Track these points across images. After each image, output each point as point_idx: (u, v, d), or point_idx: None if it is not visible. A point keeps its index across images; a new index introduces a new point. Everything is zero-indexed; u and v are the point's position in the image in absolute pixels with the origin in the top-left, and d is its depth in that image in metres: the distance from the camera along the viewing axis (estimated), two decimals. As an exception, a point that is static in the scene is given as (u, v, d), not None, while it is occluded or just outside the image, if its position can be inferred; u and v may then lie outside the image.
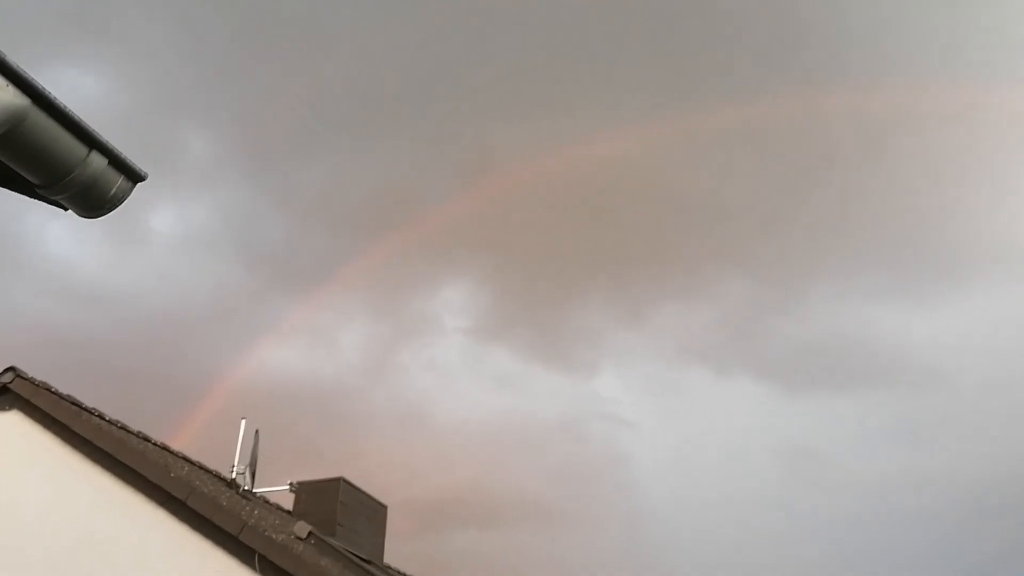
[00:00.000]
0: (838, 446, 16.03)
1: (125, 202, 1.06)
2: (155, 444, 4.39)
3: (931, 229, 15.33)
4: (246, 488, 4.67)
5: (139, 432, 4.35)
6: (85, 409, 4.01)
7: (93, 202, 1.09)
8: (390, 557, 5.82)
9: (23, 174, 1.04)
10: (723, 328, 15.93)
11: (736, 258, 15.02)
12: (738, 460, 16.29)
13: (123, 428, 4.19)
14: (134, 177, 1.13)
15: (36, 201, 1.10)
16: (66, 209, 1.12)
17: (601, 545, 15.70)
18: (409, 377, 15.31)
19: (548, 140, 14.93)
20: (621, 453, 16.26)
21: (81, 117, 1.02)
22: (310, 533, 4.13)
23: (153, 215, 14.55)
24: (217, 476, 4.68)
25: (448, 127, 15.01)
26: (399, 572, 5.60)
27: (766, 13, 13.98)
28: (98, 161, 1.06)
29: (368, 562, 4.68)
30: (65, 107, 1.02)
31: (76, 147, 1.04)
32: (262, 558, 3.53)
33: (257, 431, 4.79)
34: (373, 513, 5.56)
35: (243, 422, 4.85)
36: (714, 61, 14.27)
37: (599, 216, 14.70)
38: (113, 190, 1.10)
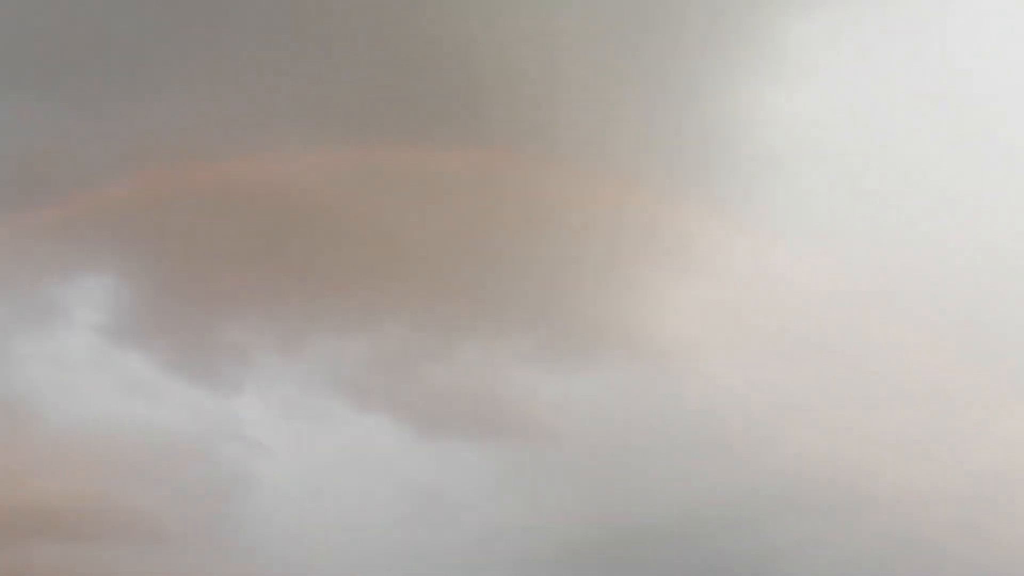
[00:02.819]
0: (460, 492, 17.04)
1: None
2: None
3: (573, 306, 17.16)
4: None
5: None
6: None
7: None
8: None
9: None
10: (375, 366, 16.36)
11: (399, 300, 15.59)
12: (366, 495, 16.67)
13: None
14: None
15: None
16: None
17: (213, 570, 15.11)
18: (23, 369, 13.79)
19: (235, 147, 14.52)
20: (251, 477, 15.91)
21: None
22: None
23: None
24: None
25: (128, 108, 14.07)
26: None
27: (469, 74, 14.93)
28: None
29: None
30: None
31: None
32: None
33: None
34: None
35: None
36: (415, 106, 14.89)
37: (271, 235, 14.53)
38: None
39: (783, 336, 17.86)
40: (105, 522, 13.74)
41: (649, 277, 17.25)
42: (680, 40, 15.75)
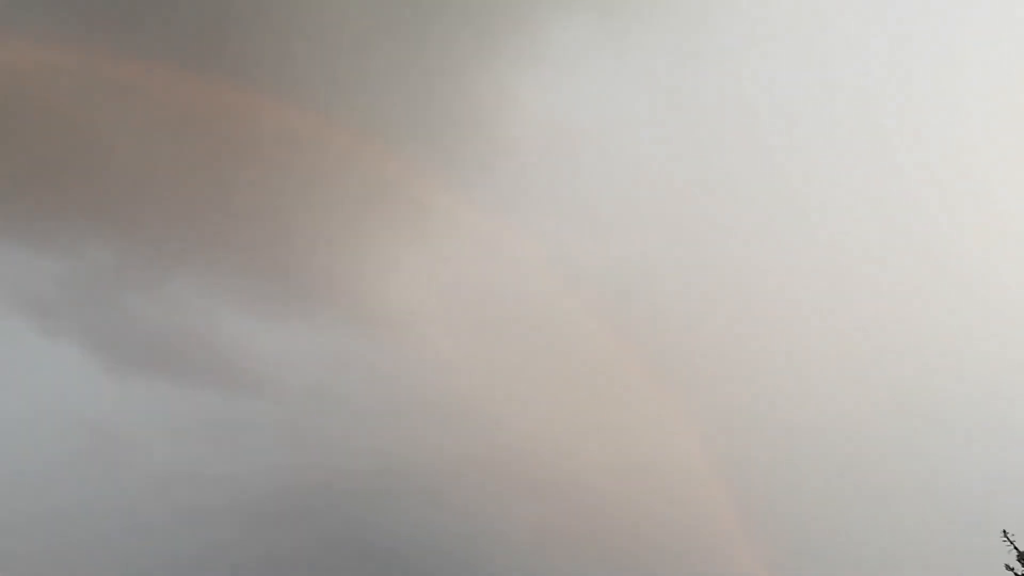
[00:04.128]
0: (143, 434, 16.03)
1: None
2: None
3: (298, 259, 16.69)
4: None
5: None
6: None
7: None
8: None
9: None
10: (69, 288, 15.01)
11: (107, 221, 14.38)
12: (33, 425, 15.25)
13: None
14: None
15: None
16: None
17: None
18: None
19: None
20: None
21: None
22: None
23: None
24: None
25: None
26: None
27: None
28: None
29: None
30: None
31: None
32: None
33: None
34: None
35: None
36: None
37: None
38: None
39: (500, 312, 18.49)
40: None
41: (381, 243, 17.21)
42: (450, 25, 15.89)
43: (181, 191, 14.66)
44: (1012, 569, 6.90)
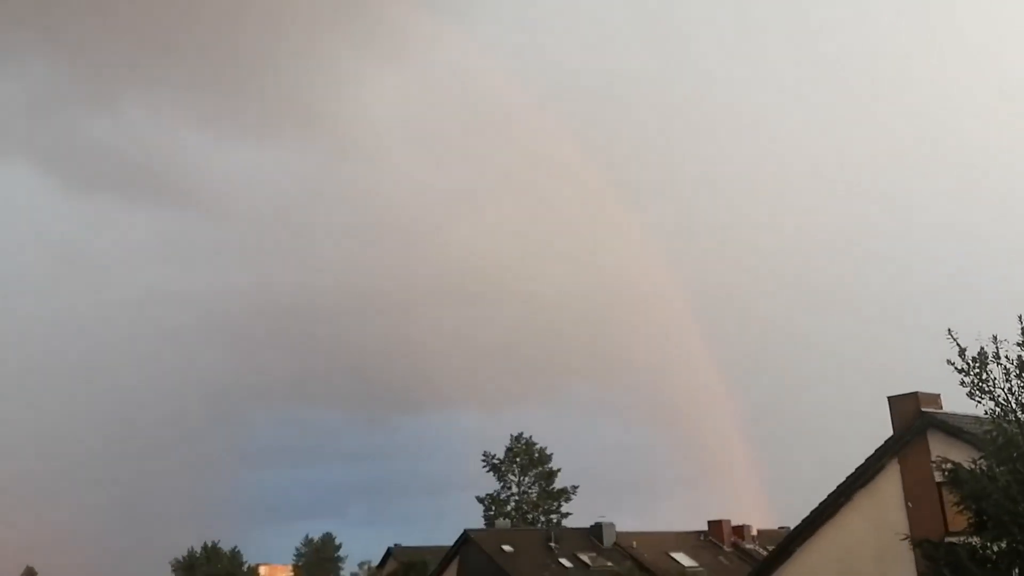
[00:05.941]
0: (112, 254, 15.83)
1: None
2: None
3: (264, 77, 15.77)
4: None
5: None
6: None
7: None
8: None
9: None
10: (20, 107, 14.04)
11: (55, 37, 13.16)
12: (3, 247, 14.88)
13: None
14: None
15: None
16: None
17: None
18: None
19: None
20: None
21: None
22: None
23: None
24: None
25: None
26: None
27: None
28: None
29: None
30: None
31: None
32: None
33: None
34: None
35: None
36: None
37: None
38: None
39: (474, 136, 18.26)
40: None
41: (350, 61, 16.46)
42: None
43: (142, 5, 13.51)
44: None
